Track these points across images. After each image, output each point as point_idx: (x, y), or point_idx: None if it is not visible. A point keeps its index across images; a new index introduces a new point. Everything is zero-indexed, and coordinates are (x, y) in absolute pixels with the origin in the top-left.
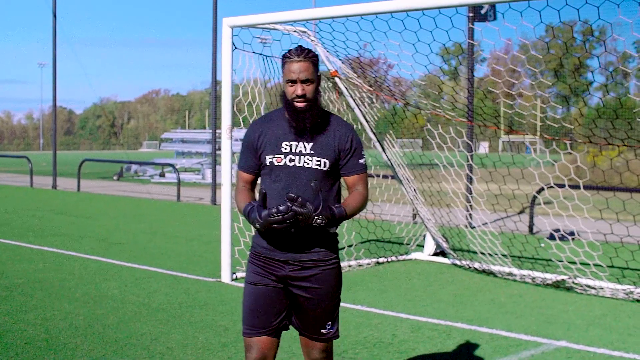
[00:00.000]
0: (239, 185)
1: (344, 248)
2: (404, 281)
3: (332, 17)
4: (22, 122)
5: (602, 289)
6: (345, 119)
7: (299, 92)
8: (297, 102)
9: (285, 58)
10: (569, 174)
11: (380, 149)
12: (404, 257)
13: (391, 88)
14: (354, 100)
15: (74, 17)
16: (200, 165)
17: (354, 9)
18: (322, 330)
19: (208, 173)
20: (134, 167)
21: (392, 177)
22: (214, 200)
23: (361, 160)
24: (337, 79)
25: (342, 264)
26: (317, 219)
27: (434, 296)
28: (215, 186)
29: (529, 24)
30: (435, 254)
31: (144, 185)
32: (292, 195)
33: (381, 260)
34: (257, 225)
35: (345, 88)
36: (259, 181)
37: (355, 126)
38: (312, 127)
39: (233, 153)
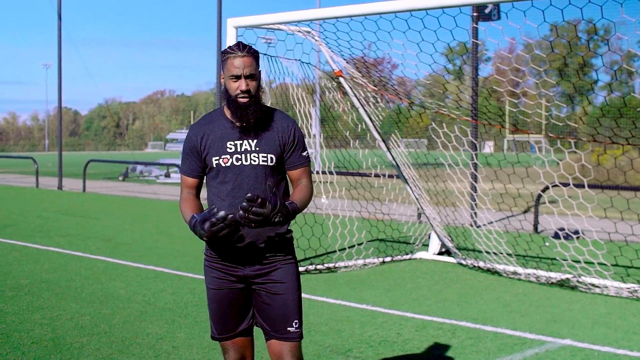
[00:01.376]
0: (183, 193)
1: (353, 247)
2: (409, 280)
3: (337, 17)
4: (27, 123)
5: (606, 287)
6: (349, 118)
7: (244, 87)
8: (241, 98)
9: (227, 53)
10: (573, 173)
11: (384, 148)
12: (409, 256)
13: (395, 88)
14: (358, 100)
15: (78, 18)
16: None
17: (358, 9)
18: (289, 329)
19: None
20: (139, 167)
21: (397, 177)
22: None
23: (304, 153)
24: (341, 79)
25: (347, 263)
26: (275, 217)
27: (438, 295)
28: None
29: (533, 23)
30: (440, 253)
31: (149, 186)
32: (251, 195)
33: (386, 259)
34: (204, 238)
35: (350, 88)
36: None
37: (359, 126)
38: (255, 124)
39: None
